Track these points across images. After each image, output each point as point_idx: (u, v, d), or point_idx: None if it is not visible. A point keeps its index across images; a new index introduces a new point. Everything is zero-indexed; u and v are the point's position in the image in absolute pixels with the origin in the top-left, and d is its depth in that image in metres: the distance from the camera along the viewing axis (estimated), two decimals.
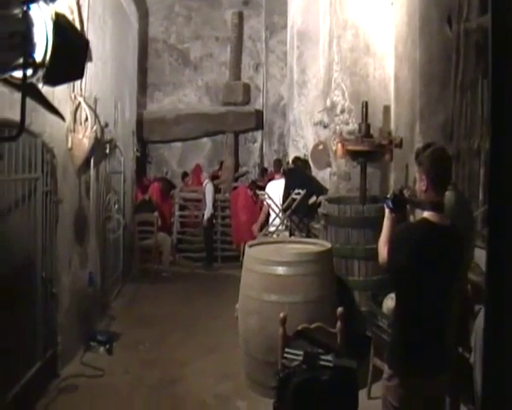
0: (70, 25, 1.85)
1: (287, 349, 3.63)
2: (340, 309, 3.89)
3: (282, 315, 3.78)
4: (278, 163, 9.07)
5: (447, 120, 5.31)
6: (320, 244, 5.33)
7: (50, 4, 1.71)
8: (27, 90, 1.78)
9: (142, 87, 12.36)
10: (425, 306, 2.81)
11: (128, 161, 9.32)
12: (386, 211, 3.10)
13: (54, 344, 5.20)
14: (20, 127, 1.77)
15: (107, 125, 6.98)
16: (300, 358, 3.44)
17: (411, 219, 3.24)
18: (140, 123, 11.59)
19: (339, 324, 3.81)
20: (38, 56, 1.74)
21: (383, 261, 3.00)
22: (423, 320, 2.83)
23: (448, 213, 3.00)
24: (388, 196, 3.17)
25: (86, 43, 2.01)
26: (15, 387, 4.24)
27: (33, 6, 1.67)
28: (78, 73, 2.01)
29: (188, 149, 12.98)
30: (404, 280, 2.86)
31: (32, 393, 4.59)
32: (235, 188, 11.50)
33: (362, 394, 4.12)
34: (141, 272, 9.58)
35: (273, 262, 4.74)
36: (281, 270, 4.67)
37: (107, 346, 5.97)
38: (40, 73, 1.78)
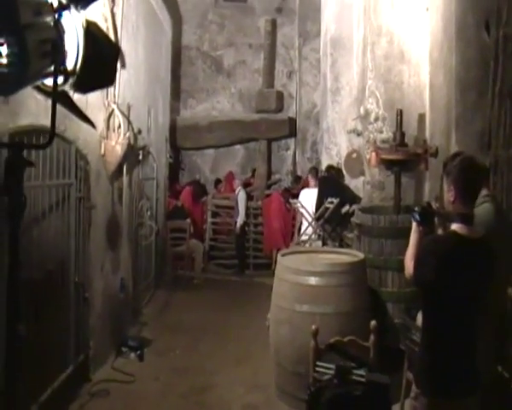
0: (101, 32, 1.84)
1: (318, 362, 3.56)
2: (373, 322, 3.80)
3: (313, 328, 3.71)
4: (315, 171, 8.96)
5: (484, 129, 5.17)
6: (353, 254, 5.24)
7: (82, 12, 1.70)
8: (59, 97, 1.77)
9: (176, 94, 12.44)
10: (453, 321, 2.72)
11: (161, 167, 9.38)
12: (414, 224, 3.01)
13: (86, 348, 5.24)
14: (51, 135, 1.76)
15: (140, 131, 7.03)
16: (332, 372, 3.38)
17: (439, 232, 3.13)
18: (173, 130, 11.66)
19: (372, 337, 3.72)
20: (69, 64, 1.73)
21: (409, 275, 2.91)
22: (451, 336, 2.73)
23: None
24: (416, 208, 3.09)
25: (117, 50, 2.00)
26: (48, 390, 4.28)
27: (65, 14, 1.65)
28: (108, 81, 2.00)
29: (221, 156, 13.01)
30: (432, 294, 2.76)
31: (65, 396, 4.63)
32: (267, 195, 11.47)
33: (395, 409, 4.03)
34: (173, 279, 9.60)
35: (305, 272, 4.68)
36: (313, 280, 4.61)
37: (139, 352, 5.98)
38: (71, 81, 1.77)
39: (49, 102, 1.75)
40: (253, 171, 12.60)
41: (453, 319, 2.71)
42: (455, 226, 2.74)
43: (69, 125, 4.44)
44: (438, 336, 2.77)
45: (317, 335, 3.70)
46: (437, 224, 3.07)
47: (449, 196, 2.77)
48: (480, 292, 2.79)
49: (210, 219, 11.33)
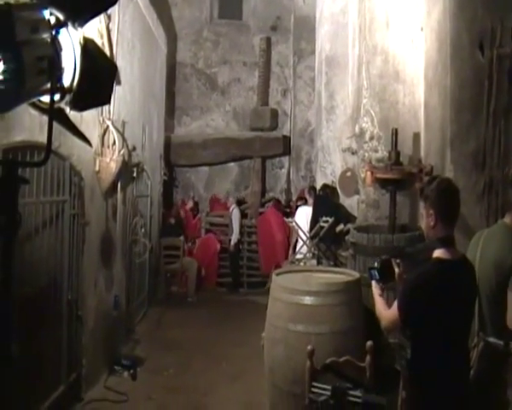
0: (98, 50, 1.82)
1: (314, 383, 3.51)
2: (369, 343, 3.76)
3: (309, 348, 3.66)
4: (313, 190, 8.92)
5: (479, 148, 5.18)
6: (348, 273, 5.21)
7: (79, 29, 1.68)
8: (55, 115, 1.74)
9: (170, 111, 12.44)
10: (446, 349, 2.68)
11: (155, 184, 9.36)
12: (373, 282, 3.02)
13: (78, 367, 5.18)
14: (46, 153, 1.73)
15: (134, 148, 7.02)
16: (328, 393, 3.33)
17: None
18: (167, 147, 11.65)
19: (368, 358, 3.67)
20: (66, 81, 1.71)
21: (391, 323, 2.93)
22: (449, 363, 2.69)
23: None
24: (375, 263, 3.08)
25: (114, 68, 1.98)
26: None
27: (62, 31, 1.64)
28: (105, 99, 1.97)
29: (215, 174, 13.00)
30: (424, 327, 2.72)
31: None
32: (261, 213, 11.45)
33: None
34: (166, 297, 9.54)
35: (300, 291, 4.63)
36: (308, 299, 4.56)
37: (132, 371, 5.92)
38: (67, 98, 1.75)
39: (44, 117, 1.73)
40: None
41: (446, 347, 2.68)
42: (438, 252, 2.71)
43: (63, 141, 4.42)
44: (435, 366, 2.71)
45: (312, 355, 3.65)
46: (397, 277, 3.08)
47: (429, 220, 2.72)
48: (469, 311, 2.80)
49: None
